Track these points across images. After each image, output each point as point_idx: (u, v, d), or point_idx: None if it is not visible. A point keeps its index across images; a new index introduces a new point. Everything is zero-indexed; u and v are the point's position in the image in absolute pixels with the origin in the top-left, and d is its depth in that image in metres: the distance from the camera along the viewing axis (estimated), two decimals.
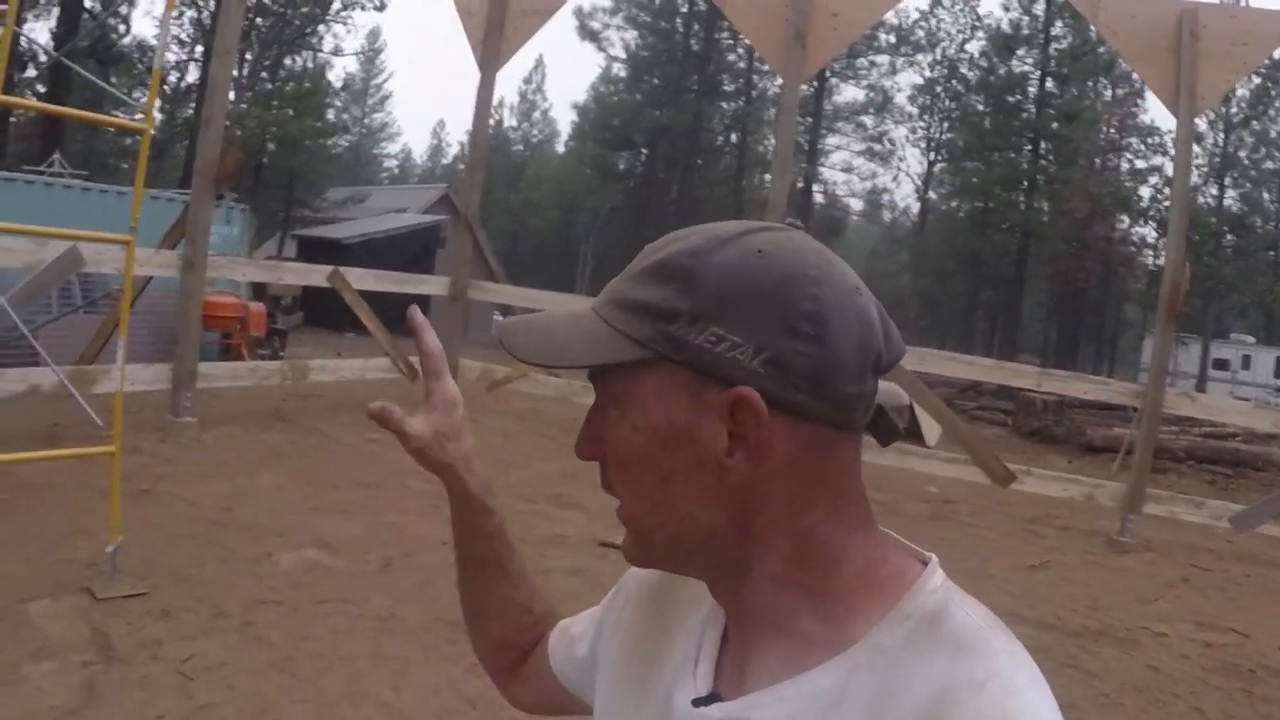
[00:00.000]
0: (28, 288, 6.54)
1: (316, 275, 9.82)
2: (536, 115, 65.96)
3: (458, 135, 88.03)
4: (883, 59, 34.09)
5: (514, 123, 65.47)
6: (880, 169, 37.67)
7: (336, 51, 35.53)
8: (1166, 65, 8.14)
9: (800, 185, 35.96)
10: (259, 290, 17.97)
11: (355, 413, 9.84)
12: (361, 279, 10.28)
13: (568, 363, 0.74)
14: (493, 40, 11.29)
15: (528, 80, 65.18)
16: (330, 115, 39.46)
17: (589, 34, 32.69)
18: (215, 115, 7.54)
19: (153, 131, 4.79)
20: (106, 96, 25.28)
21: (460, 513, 1.03)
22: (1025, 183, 31.77)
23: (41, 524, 5.39)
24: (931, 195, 38.38)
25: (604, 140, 35.14)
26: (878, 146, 36.12)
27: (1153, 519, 8.27)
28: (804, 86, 35.47)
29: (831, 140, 36.35)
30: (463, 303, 11.29)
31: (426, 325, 1.01)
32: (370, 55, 61.29)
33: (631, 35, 33.41)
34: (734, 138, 35.41)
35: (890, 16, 33.66)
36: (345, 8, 28.04)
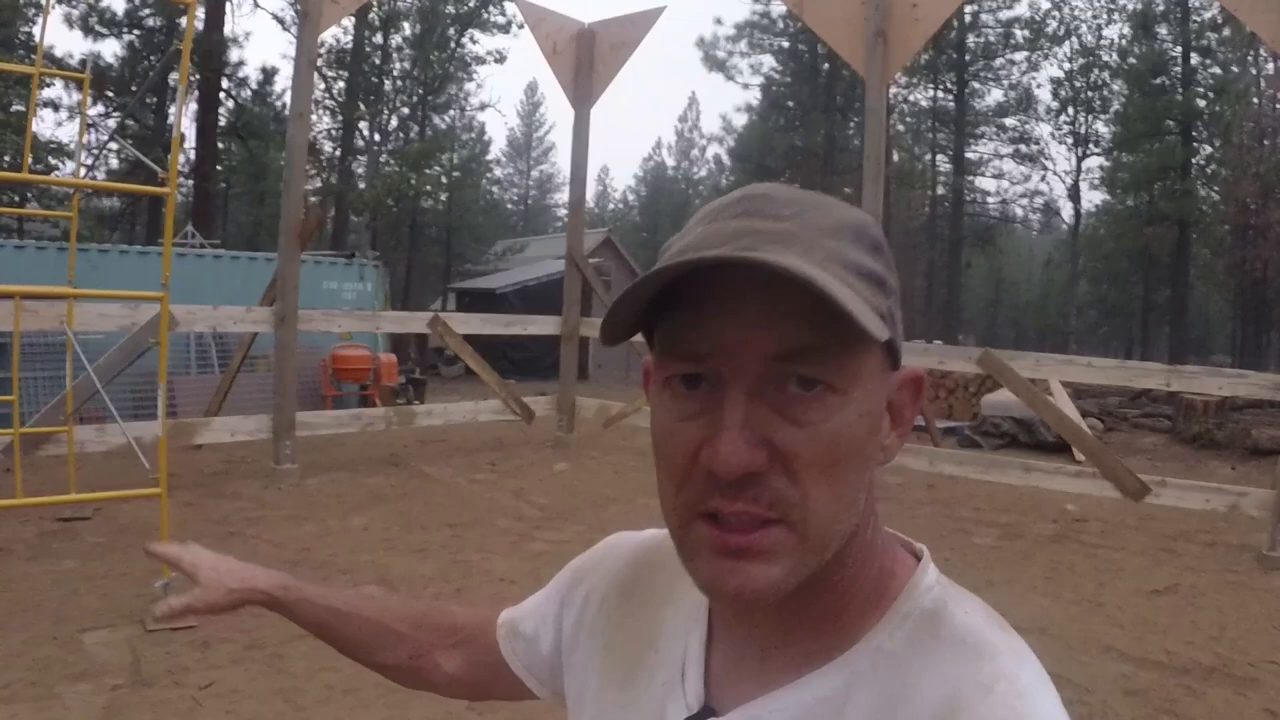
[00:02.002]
0: (123, 349, 7.06)
1: (417, 322, 10.16)
2: (695, 152, 66.57)
3: (624, 180, 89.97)
4: (1019, 56, 32.85)
5: (673, 161, 66.25)
6: (1029, 170, 36.22)
7: (482, 107, 36.87)
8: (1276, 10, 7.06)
9: (949, 196, 35.00)
10: (401, 342, 18.86)
11: (468, 455, 10.14)
12: (467, 323, 10.57)
13: (862, 318, 0.59)
14: (583, 78, 11.50)
15: (683, 118, 66.00)
16: (477, 170, 41.19)
17: (715, 64, 32.80)
18: (295, 177, 7.97)
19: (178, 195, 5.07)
20: (269, 169, 27.21)
21: (292, 613, 1.10)
22: (1174, 170, 29.72)
23: (127, 563, 5.75)
24: (1087, 193, 36.83)
25: (744, 169, 35.15)
26: (1024, 148, 34.72)
27: None
28: (942, 94, 34.90)
29: (979, 148, 35.21)
30: (574, 342, 11.42)
31: (170, 553, 1.10)
32: (530, 109, 63.36)
33: (758, 60, 33.43)
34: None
35: (1023, 9, 32.55)
36: (470, 64, 29.10)
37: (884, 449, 0.68)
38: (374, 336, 13.80)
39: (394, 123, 30.15)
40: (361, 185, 26.53)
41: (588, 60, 11.49)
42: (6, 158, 19.05)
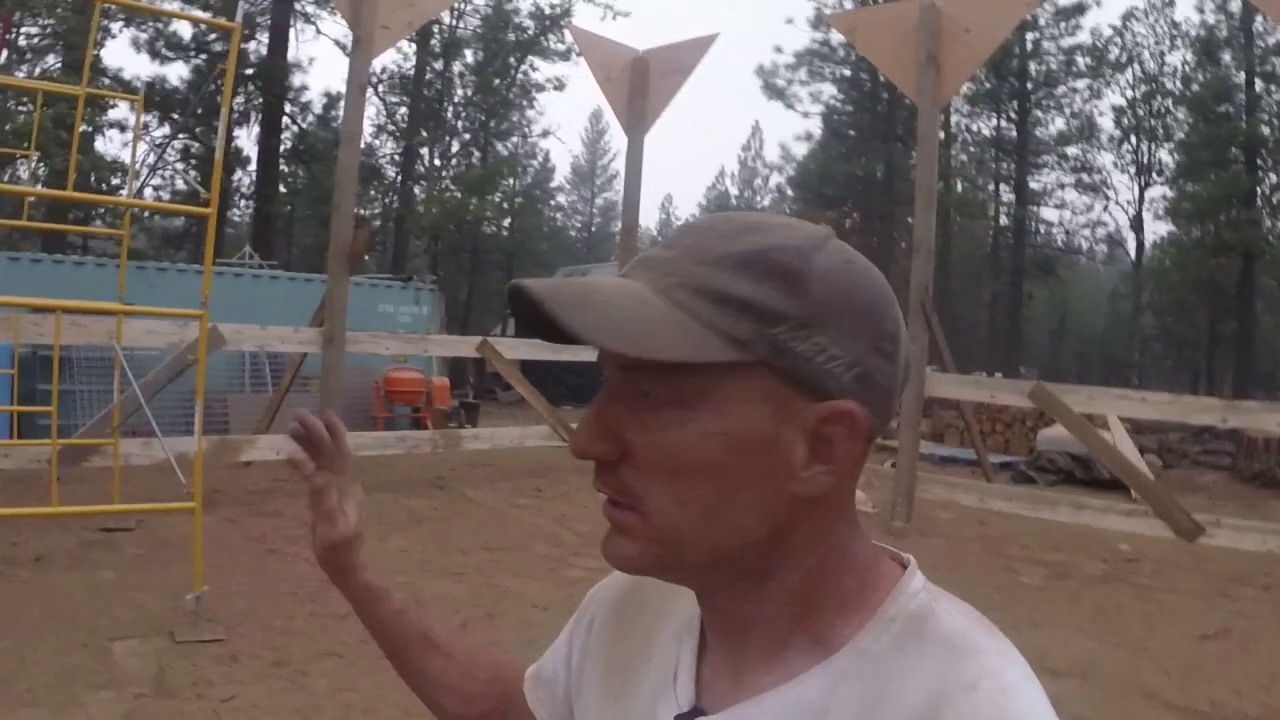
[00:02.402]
0: (168, 365, 7.19)
1: (465, 346, 10.23)
2: (757, 181, 66.43)
3: (688, 209, 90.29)
4: (1081, 84, 32.32)
5: (736, 190, 66.16)
6: (1092, 200, 35.52)
7: (544, 134, 37.27)
8: None
9: (1011, 227, 34.48)
10: (459, 366, 19.03)
11: (513, 480, 10.16)
12: (516, 348, 10.62)
13: (651, 354, 0.64)
14: (637, 105, 11.56)
15: (746, 147, 65.90)
16: (541, 196, 41.62)
17: (775, 92, 32.75)
18: (344, 200, 8.10)
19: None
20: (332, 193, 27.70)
21: (364, 604, 1.08)
22: (1237, 199, 28.90)
23: (165, 575, 5.83)
24: (1151, 224, 35.89)
25: (804, 198, 35.03)
26: (1086, 178, 34.10)
27: None
28: (1005, 122, 34.48)
29: (1042, 178, 34.68)
30: None
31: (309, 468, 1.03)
32: (594, 137, 63.77)
33: (818, 88, 33.30)
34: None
35: (1084, 36, 32.08)
36: (530, 91, 29.47)
37: (799, 480, 0.68)
38: (428, 360, 13.94)
39: (455, 148, 30.57)
40: (420, 209, 26.96)
41: (641, 88, 11.53)
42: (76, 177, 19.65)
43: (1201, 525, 7.39)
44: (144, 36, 23.69)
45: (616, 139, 68.45)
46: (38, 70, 22.12)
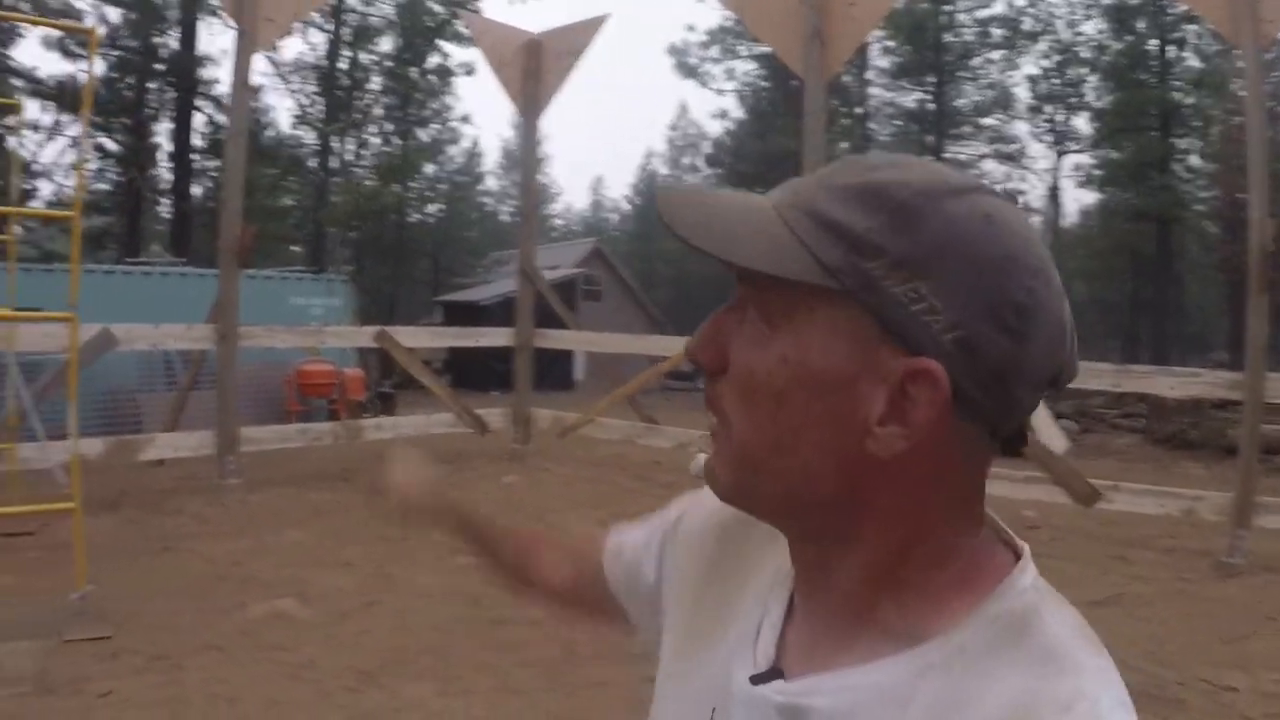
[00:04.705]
0: (58, 370, 7.16)
1: (363, 336, 10.23)
2: (685, 160, 66.42)
3: (619, 190, 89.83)
4: (997, 55, 32.90)
5: (666, 170, 66.14)
6: (1010, 170, 36.21)
7: (464, 119, 37.03)
8: None
9: None
10: (385, 357, 18.92)
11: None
12: (416, 336, 10.63)
13: (735, 257, 0.64)
14: (530, 88, 11.53)
15: (674, 126, 65.91)
16: (469, 183, 41.27)
17: (688, 71, 32.87)
18: (231, 196, 8.07)
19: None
20: (255, 185, 27.40)
21: (465, 537, 1.20)
22: (1154, 165, 29.67)
23: (65, 578, 5.79)
24: (1072, 191, 36.72)
25: (720, 176, 35.24)
26: (1004, 147, 34.74)
27: (1272, 534, 6.86)
28: (922, 93, 34.97)
29: (960, 148, 35.22)
30: (528, 352, 11.44)
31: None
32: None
33: (732, 66, 33.40)
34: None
35: (999, 8, 32.55)
36: (439, 76, 29.25)
37: (873, 436, 0.64)
38: (344, 352, 13.90)
39: (374, 137, 30.31)
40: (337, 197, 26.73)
41: (535, 71, 11.51)
42: None
43: (1099, 491, 7.40)
44: (55, 35, 23.21)
45: (547, 122, 67.91)
46: None
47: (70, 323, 5.07)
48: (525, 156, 11.68)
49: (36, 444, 7.49)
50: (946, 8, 32.44)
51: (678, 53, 33.19)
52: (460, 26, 26.79)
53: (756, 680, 0.72)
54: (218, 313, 8.40)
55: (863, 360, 0.63)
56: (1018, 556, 0.71)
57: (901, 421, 0.63)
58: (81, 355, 7.30)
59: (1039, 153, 41.39)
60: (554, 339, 11.76)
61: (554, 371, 18.01)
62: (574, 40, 11.36)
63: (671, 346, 10.08)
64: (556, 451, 11.01)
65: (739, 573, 0.83)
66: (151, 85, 24.59)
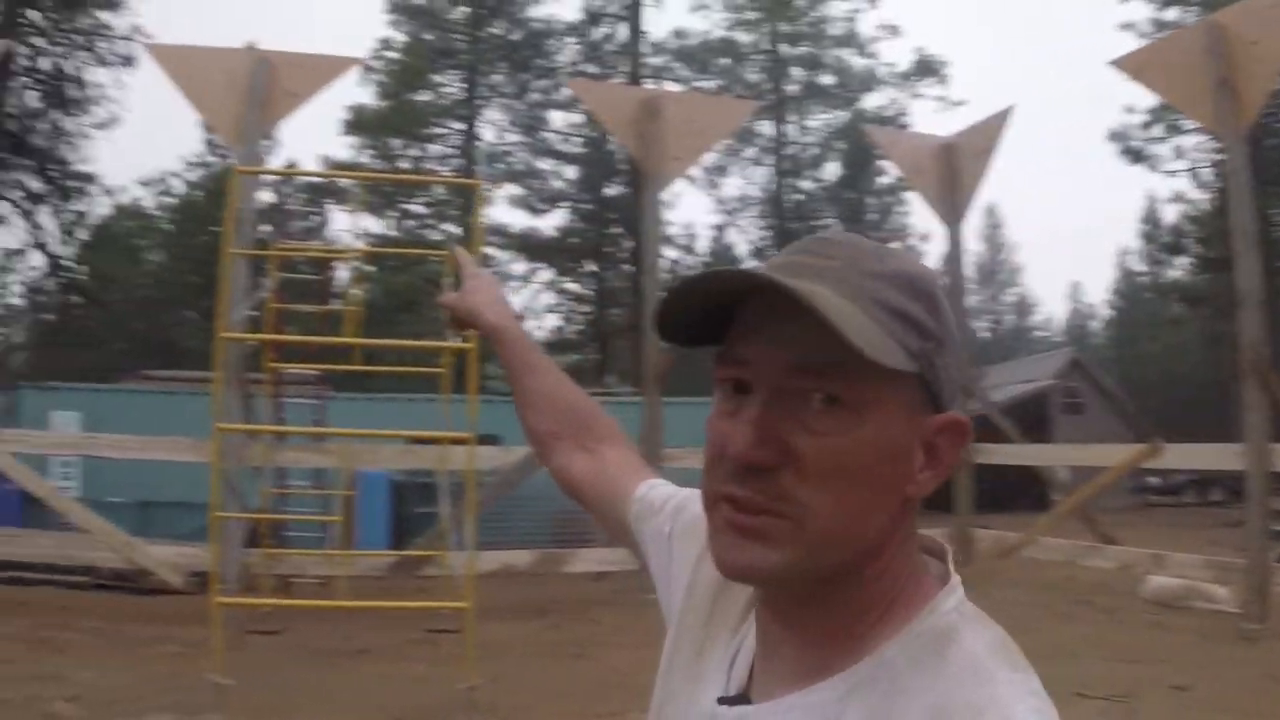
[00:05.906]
0: (497, 488, 8.17)
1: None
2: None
3: (1098, 296, 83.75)
4: None
5: (1142, 266, 60.48)
6: None
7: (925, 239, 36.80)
8: None
9: None
10: None
11: None
12: None
13: (868, 349, 0.67)
14: (947, 193, 11.23)
15: (1146, 220, 60.25)
16: None
17: (1134, 155, 29.19)
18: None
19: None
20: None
21: (503, 349, 1.28)
22: None
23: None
24: None
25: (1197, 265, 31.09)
26: None
27: None
28: None
29: None
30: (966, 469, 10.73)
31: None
32: (992, 229, 61.60)
33: (1178, 142, 28.97)
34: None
35: None
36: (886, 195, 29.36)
37: (915, 483, 0.73)
38: None
39: None
40: None
41: (951, 176, 11.18)
42: None
43: None
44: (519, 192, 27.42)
45: (1013, 232, 65.02)
46: None
47: (467, 444, 5.76)
48: (951, 265, 11.36)
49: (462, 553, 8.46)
50: None
51: (1119, 138, 29.53)
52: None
53: (723, 701, 0.79)
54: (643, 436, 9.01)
55: (918, 426, 0.73)
56: (945, 582, 0.76)
57: (934, 466, 0.74)
58: (512, 475, 8.30)
59: None
60: (990, 453, 10.99)
61: (1030, 491, 16.63)
62: (985, 138, 11.00)
63: (1114, 455, 9.18)
64: (994, 573, 10.27)
65: (738, 598, 0.87)
66: (611, 231, 27.91)
